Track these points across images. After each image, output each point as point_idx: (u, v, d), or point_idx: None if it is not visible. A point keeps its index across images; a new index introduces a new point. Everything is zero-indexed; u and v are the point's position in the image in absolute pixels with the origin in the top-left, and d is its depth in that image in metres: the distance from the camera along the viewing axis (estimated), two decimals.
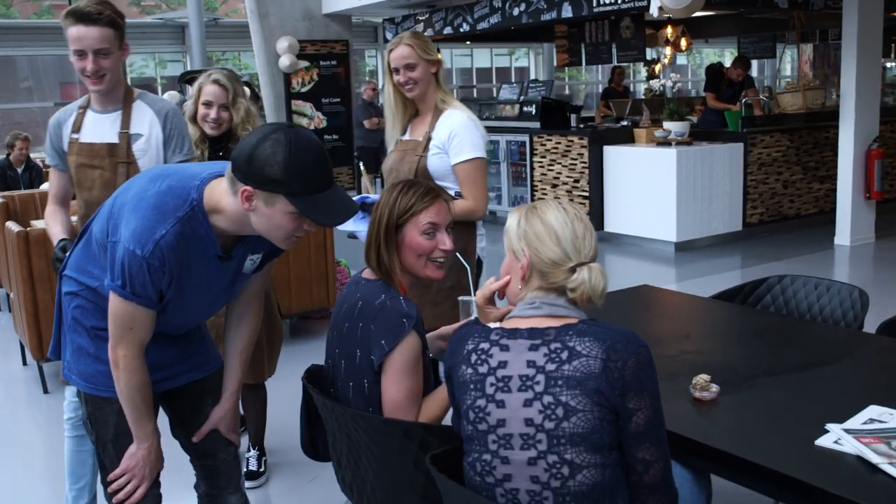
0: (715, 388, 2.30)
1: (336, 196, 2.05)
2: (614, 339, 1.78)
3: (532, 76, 22.68)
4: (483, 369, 1.85)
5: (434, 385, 2.37)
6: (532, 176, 9.58)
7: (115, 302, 2.11)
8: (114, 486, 2.31)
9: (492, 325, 1.93)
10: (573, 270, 1.85)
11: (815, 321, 3.28)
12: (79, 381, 2.33)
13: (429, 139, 3.18)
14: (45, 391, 4.97)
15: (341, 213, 2.06)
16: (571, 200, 9.08)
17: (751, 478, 1.98)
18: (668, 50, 10.71)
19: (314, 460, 2.63)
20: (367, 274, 2.36)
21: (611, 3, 8.92)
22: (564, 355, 1.78)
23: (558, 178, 9.26)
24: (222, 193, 2.08)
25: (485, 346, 1.87)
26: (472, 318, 2.25)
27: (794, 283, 3.43)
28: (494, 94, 12.63)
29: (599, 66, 23.37)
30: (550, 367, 1.78)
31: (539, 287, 1.90)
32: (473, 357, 1.87)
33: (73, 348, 2.34)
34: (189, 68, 15.55)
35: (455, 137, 3.15)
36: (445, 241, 2.31)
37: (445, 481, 1.87)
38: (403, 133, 3.33)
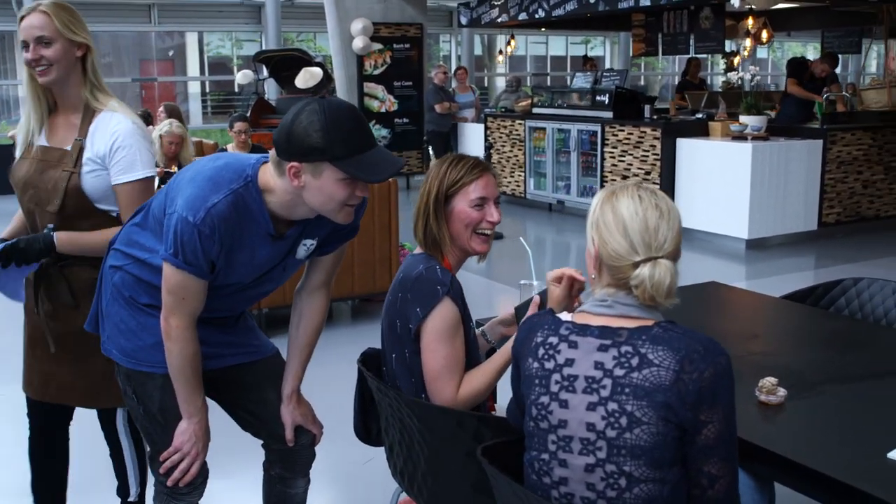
0: (782, 391, 2.21)
1: (379, 154, 2.08)
2: (690, 349, 1.65)
3: (607, 66, 22.40)
4: (549, 365, 1.76)
5: (479, 359, 2.34)
6: (602, 166, 9.44)
7: (167, 272, 2.14)
8: (167, 464, 2.32)
9: (563, 316, 1.83)
10: (637, 266, 1.72)
11: (891, 328, 3.14)
12: (119, 356, 2.34)
13: (80, 149, 2.53)
14: None
15: (387, 168, 2.08)
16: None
17: (816, 488, 1.89)
18: (748, 42, 10.42)
19: (367, 444, 2.61)
20: (418, 249, 2.37)
21: None
22: (635, 361, 1.67)
23: (629, 169, 9.11)
24: (272, 175, 2.13)
25: (553, 340, 1.78)
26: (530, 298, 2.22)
27: (871, 286, 3.29)
28: (568, 83, 12.48)
29: (676, 58, 23.01)
30: (619, 372, 1.68)
31: (609, 283, 1.79)
32: (541, 351, 1.79)
33: (115, 322, 2.34)
34: (264, 48, 15.69)
35: (119, 151, 2.52)
36: (493, 214, 2.30)
37: (498, 476, 1.82)
38: (38, 133, 2.62)
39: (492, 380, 2.24)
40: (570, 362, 1.74)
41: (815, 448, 2.01)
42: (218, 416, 2.49)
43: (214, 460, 2.45)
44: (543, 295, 2.28)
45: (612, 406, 1.67)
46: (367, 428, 2.57)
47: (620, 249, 1.73)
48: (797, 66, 9.58)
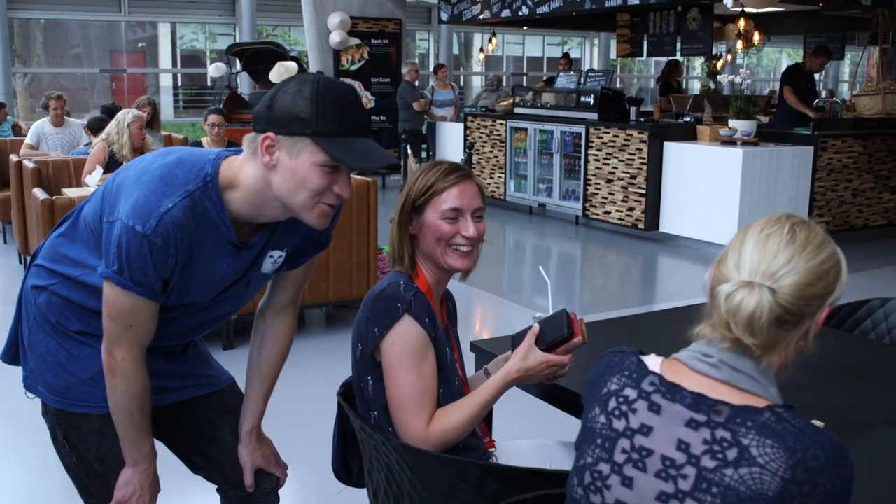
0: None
1: (370, 144, 1.77)
2: (807, 453, 1.29)
3: (585, 67, 22.20)
4: (619, 425, 1.41)
5: (458, 392, 2.02)
6: (586, 169, 9.16)
7: (110, 293, 1.77)
8: None
9: (649, 362, 1.46)
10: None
11: None
12: (46, 395, 1.97)
13: None
14: None
15: (375, 158, 1.76)
16: (626, 199, 8.66)
17: None
18: (739, 44, 10.18)
19: (348, 486, 2.29)
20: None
21: None
22: (731, 454, 1.31)
23: (614, 172, 8.84)
24: (242, 163, 1.80)
25: (630, 393, 1.42)
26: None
27: None
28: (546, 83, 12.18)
29: (653, 61, 22.80)
30: (707, 462, 1.32)
31: (714, 325, 1.40)
32: (612, 403, 1.43)
33: (40, 353, 1.96)
34: (238, 41, 15.29)
35: None
36: (469, 228, 1.99)
37: None
38: None
39: (472, 416, 1.93)
40: (646, 430, 1.38)
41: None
42: (163, 455, 2.12)
43: None
44: (544, 323, 1.96)
45: None
46: (348, 467, 2.24)
47: (725, 270, 1.39)
48: (792, 73, 9.29)
